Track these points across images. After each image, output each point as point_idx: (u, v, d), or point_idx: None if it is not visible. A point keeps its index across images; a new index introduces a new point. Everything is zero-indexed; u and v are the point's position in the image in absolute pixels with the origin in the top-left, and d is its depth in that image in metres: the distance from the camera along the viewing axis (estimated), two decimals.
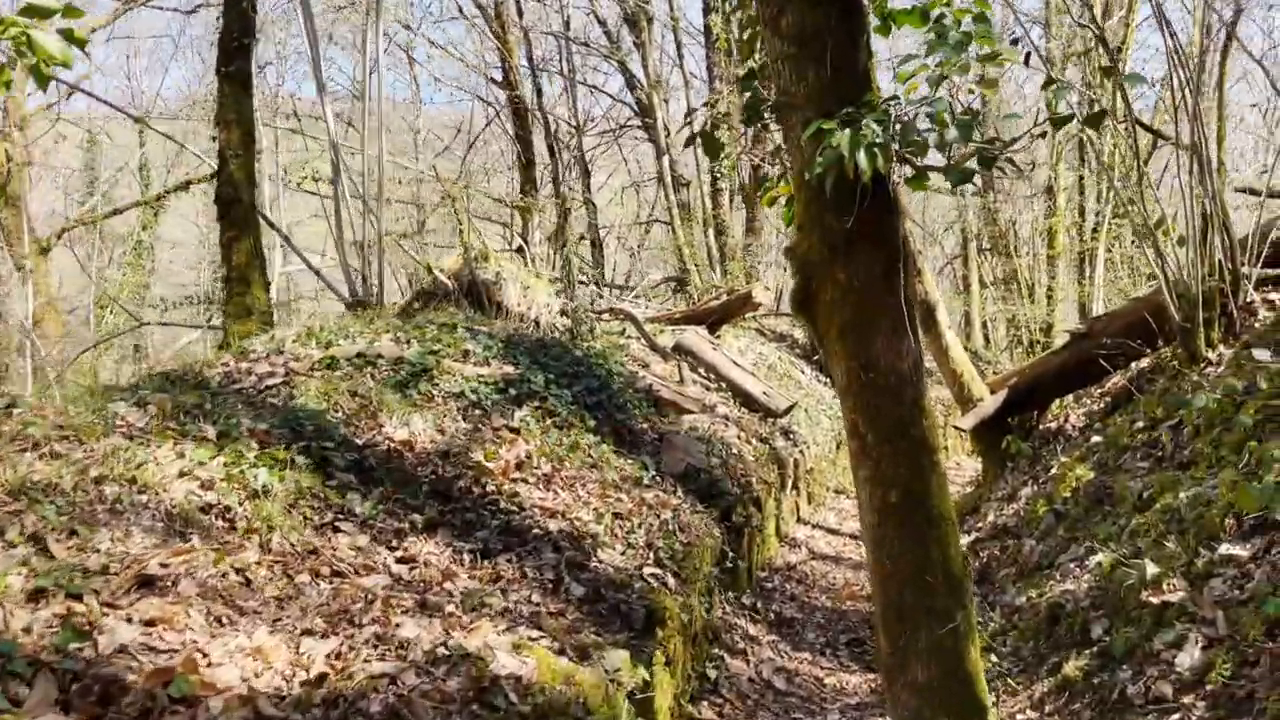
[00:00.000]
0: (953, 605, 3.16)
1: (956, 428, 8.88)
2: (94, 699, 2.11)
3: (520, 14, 16.52)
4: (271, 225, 9.34)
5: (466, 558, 3.55)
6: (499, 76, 17.50)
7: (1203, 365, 5.95)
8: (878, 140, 2.61)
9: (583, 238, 15.61)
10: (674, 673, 3.93)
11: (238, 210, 7.14)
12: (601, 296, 16.09)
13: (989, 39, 2.83)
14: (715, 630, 5.15)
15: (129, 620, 2.43)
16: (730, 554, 5.75)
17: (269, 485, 3.37)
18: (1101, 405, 8.34)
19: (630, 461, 5.87)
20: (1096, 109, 6.29)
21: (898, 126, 2.76)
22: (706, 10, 16.17)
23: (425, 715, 2.36)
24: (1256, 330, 5.70)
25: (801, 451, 9.82)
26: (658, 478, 5.86)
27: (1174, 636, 3.55)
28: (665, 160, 18.20)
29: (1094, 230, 13.43)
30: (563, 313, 7.78)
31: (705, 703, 4.49)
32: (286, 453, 3.64)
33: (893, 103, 2.96)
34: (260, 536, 3.13)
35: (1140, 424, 6.11)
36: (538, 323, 8.57)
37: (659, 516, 4.85)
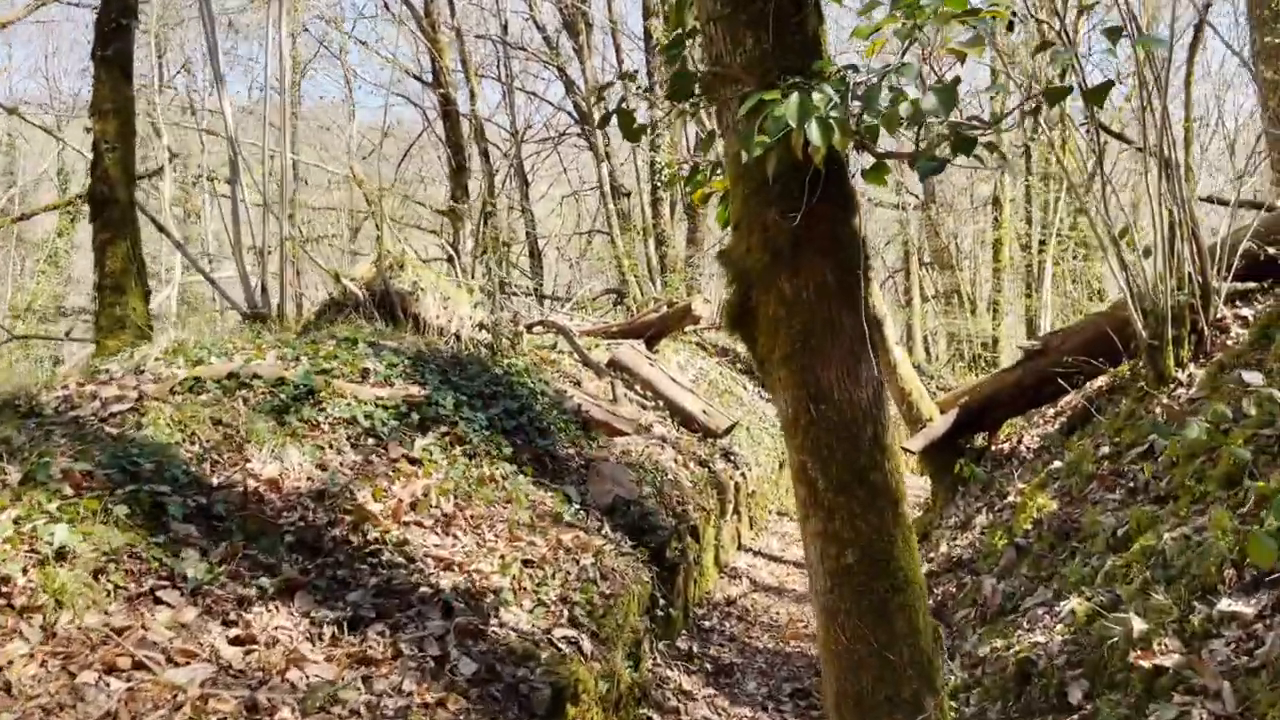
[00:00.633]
0: (922, 691, 2.57)
1: (905, 449, 8.38)
2: None
3: (453, 12, 15.82)
4: (160, 228, 8.50)
5: (328, 631, 2.87)
6: (431, 78, 16.76)
7: (1172, 386, 5.51)
8: (833, 111, 2.01)
9: (506, 244, 14.90)
10: None
11: (113, 210, 6.34)
12: (541, 308, 15.45)
13: None
14: (644, 688, 4.52)
15: None
16: (662, 599, 5.12)
17: (68, 546, 2.65)
18: (1057, 426, 7.92)
19: (551, 494, 5.22)
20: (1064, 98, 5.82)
21: (857, 97, 2.17)
22: (646, 14, 15.66)
23: None
24: (1232, 349, 5.27)
25: (743, 474, 9.26)
26: (582, 512, 5.22)
27: (1174, 713, 3.01)
28: (605, 168, 17.65)
29: (1041, 243, 13.18)
30: (481, 325, 7.11)
31: None
32: (101, 501, 2.92)
33: (850, 71, 2.38)
34: (44, 617, 2.43)
35: (1105, 449, 5.64)
36: (458, 337, 7.88)
37: (579, 562, 4.21)
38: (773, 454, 11.22)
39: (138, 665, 2.34)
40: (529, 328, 10.26)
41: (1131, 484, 4.97)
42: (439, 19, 15.07)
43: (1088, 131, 5.86)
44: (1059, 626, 4.17)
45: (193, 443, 3.80)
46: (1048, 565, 4.98)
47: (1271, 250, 5.84)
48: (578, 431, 6.58)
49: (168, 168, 12.17)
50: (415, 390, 5.29)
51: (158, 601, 2.69)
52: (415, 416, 4.96)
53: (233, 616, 2.75)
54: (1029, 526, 5.64)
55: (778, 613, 7.28)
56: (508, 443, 5.48)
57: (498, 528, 4.26)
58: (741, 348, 15.40)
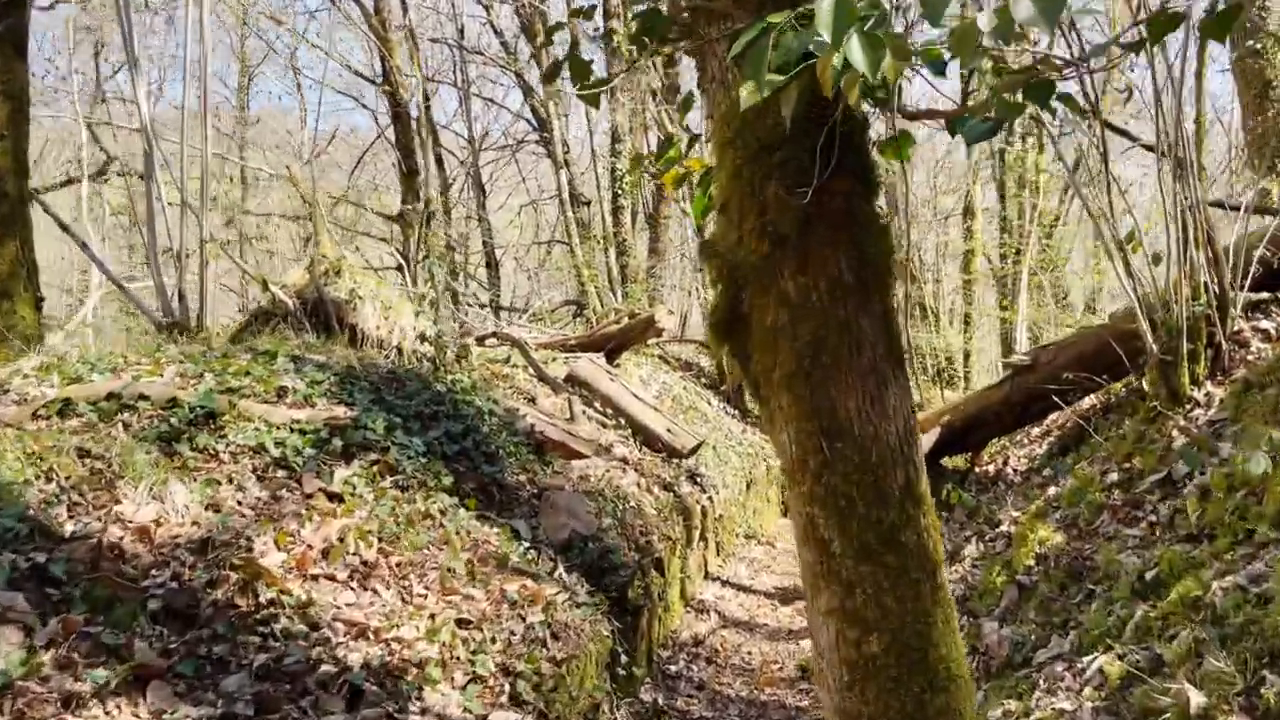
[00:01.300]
0: None
1: None
2: None
3: (405, 9, 15.09)
4: (64, 227, 7.70)
5: None
6: (388, 81, 16.02)
7: (1188, 406, 4.99)
8: (879, 20, 1.39)
9: (451, 248, 14.18)
10: None
11: (2, 205, 5.57)
12: (498, 320, 14.71)
13: None
14: None
15: None
16: (625, 654, 4.46)
17: None
18: (1045, 448, 7.42)
19: (498, 530, 4.55)
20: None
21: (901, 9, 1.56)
22: (607, 15, 15.04)
23: None
24: (1257, 365, 4.76)
25: (710, 498, 8.63)
26: (532, 551, 4.55)
27: None
28: (564, 175, 17.02)
29: (1017, 252, 12.78)
30: (423, 337, 6.42)
31: None
32: None
33: None
34: None
35: (1114, 476, 5.10)
36: (400, 350, 7.18)
37: (525, 619, 3.54)
38: (740, 474, 10.61)
39: None
40: (481, 340, 9.57)
41: (1152, 517, 4.42)
42: (389, 18, 14.36)
43: (1089, 127, 5.34)
44: (1087, 690, 3.58)
45: (49, 480, 3.09)
46: (1060, 609, 4.40)
47: None
48: (530, 455, 5.91)
49: (80, 170, 11.28)
50: (340, 411, 4.60)
51: None
52: (338, 443, 4.27)
53: None
54: (1031, 562, 5.08)
55: (749, 653, 6.64)
56: (448, 471, 4.80)
57: (429, 577, 3.58)
58: (709, 359, 14.80)
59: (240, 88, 24.12)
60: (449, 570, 3.68)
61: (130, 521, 3.03)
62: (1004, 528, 5.99)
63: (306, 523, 3.53)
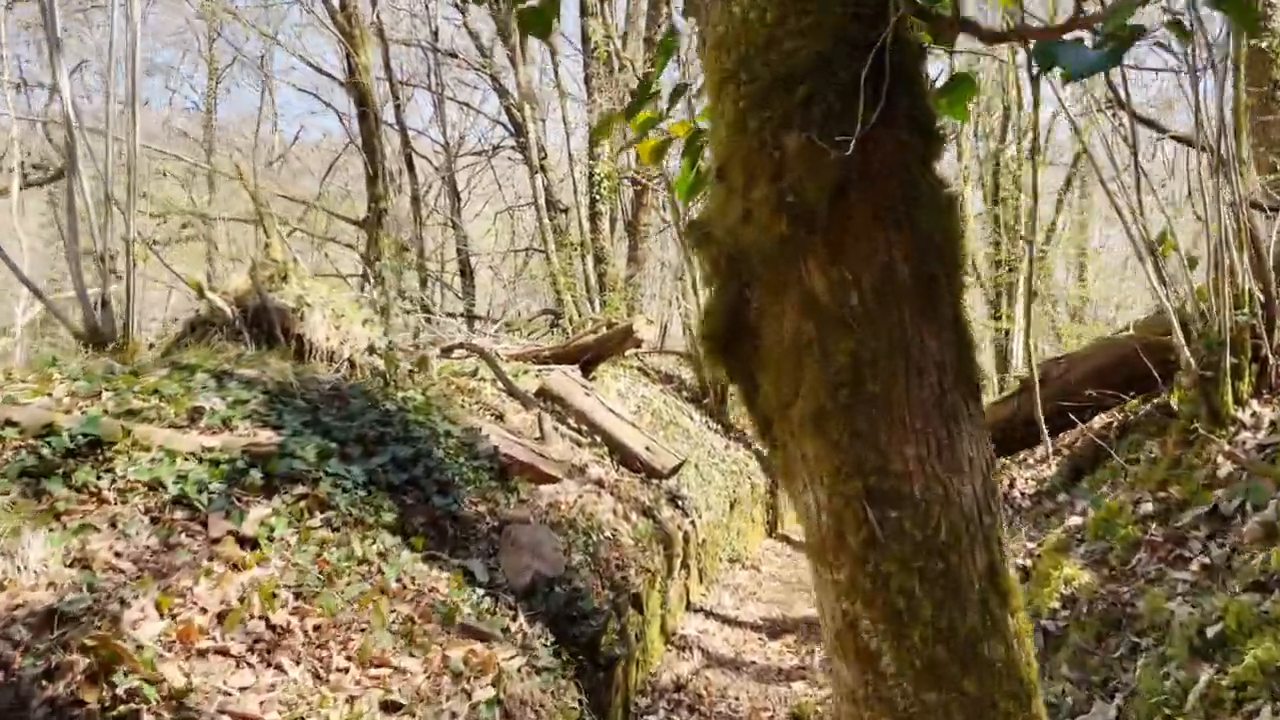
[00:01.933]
0: None
1: None
2: None
3: (374, 5, 14.45)
4: None
5: None
6: (353, 78, 15.36)
7: (1233, 428, 4.42)
8: None
9: (406, 248, 13.52)
10: None
11: None
12: (471, 330, 14.04)
13: None
14: None
15: None
16: None
17: None
18: (1055, 469, 6.87)
19: (448, 575, 3.91)
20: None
21: None
22: (584, 11, 14.46)
23: None
24: None
25: (693, 522, 8.02)
26: (489, 599, 3.92)
27: None
28: (539, 180, 16.42)
29: (1011, 261, 12.26)
30: (371, 349, 5.78)
31: None
32: None
33: None
34: None
35: (1149, 506, 4.53)
36: (352, 364, 6.53)
37: (470, 695, 2.91)
38: (724, 493, 10.00)
39: None
40: (447, 351, 8.91)
41: (1204, 559, 3.84)
42: (354, 12, 13.71)
43: (1114, 115, 4.80)
44: None
45: None
46: (1099, 665, 3.81)
47: None
48: (492, 482, 5.27)
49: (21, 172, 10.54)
50: (265, 436, 3.95)
51: None
52: (257, 474, 3.62)
53: None
54: (1056, 604, 4.50)
55: (736, 698, 6.02)
56: (393, 504, 4.16)
57: (354, 644, 2.94)
58: (690, 372, 14.23)
59: (209, 91, 23.41)
60: (380, 632, 3.03)
61: None
62: (1019, 560, 5.41)
63: (203, 578, 2.88)
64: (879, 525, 1.31)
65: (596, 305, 14.78)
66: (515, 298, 22.18)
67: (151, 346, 6.83)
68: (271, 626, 2.82)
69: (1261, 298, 4.47)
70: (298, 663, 2.70)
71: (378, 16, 14.70)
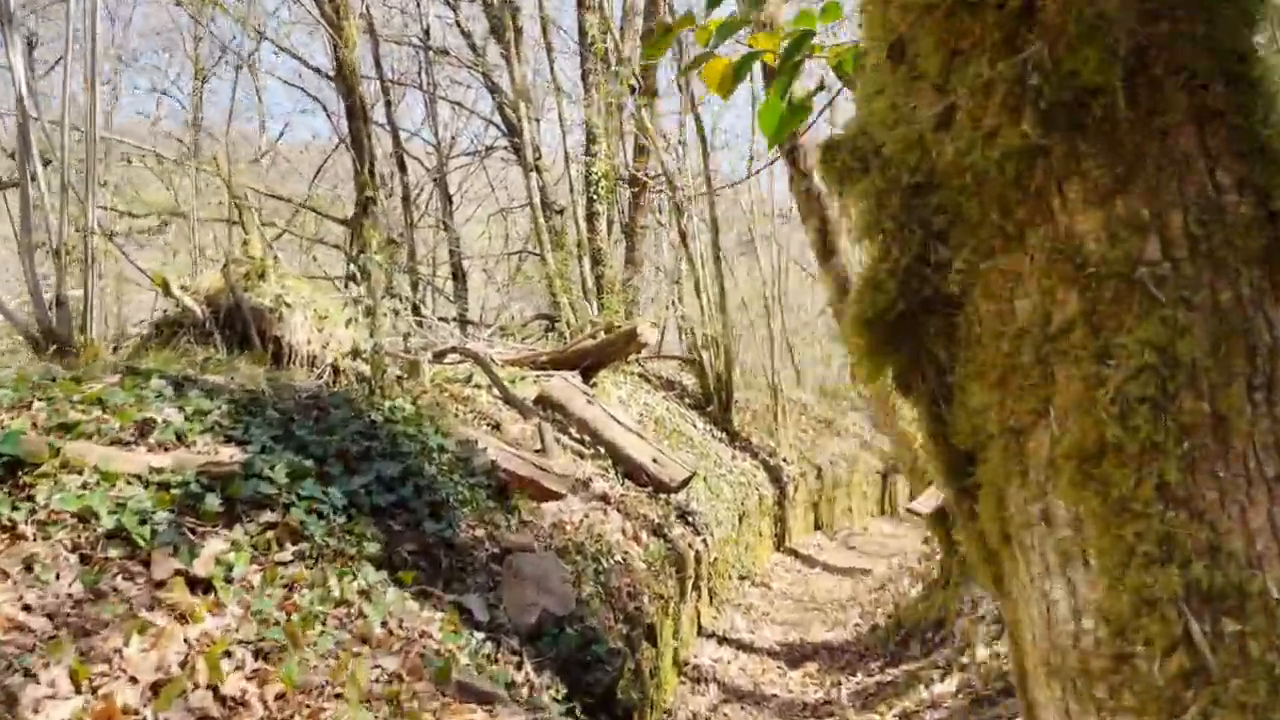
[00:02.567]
0: None
1: (911, 511, 6.69)
2: None
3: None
4: None
5: None
6: (340, 72, 14.79)
7: None
8: None
9: (393, 241, 12.92)
10: None
11: None
12: (464, 334, 13.45)
13: None
14: None
15: None
16: None
17: None
18: None
19: (442, 615, 3.34)
20: None
21: None
22: (580, 4, 13.92)
23: None
24: None
25: (704, 540, 7.46)
26: (489, 643, 3.35)
27: None
28: (534, 180, 15.86)
29: None
30: (356, 353, 5.20)
31: None
32: None
33: None
34: None
35: None
36: (336, 369, 5.96)
37: None
38: (733, 507, 9.43)
39: None
40: (439, 356, 8.34)
41: None
42: (342, 3, 13.15)
43: None
44: None
45: None
46: None
47: None
48: (491, 501, 4.69)
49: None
50: (228, 453, 3.37)
51: None
52: (215, 500, 3.04)
53: None
54: None
55: None
56: (378, 531, 3.59)
57: (327, 715, 2.36)
58: (691, 378, 13.77)
59: (194, 91, 22.81)
60: (361, 689, 2.46)
61: None
62: None
63: (136, 636, 2.30)
64: (1210, 648, 0.75)
65: (594, 308, 14.23)
66: (509, 301, 21.59)
67: (116, 350, 6.25)
68: (221, 699, 2.24)
69: None
70: None
71: (367, 9, 14.14)
